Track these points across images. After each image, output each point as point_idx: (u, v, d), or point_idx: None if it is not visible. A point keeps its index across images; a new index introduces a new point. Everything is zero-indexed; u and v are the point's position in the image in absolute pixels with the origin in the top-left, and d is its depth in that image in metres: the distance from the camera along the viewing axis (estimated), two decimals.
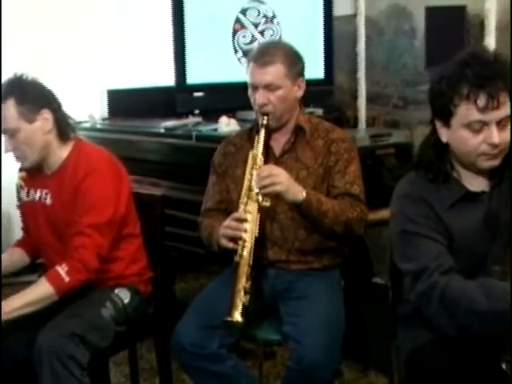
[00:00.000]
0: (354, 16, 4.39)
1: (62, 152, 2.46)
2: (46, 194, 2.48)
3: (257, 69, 2.43)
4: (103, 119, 4.15)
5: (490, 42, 3.60)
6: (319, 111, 3.91)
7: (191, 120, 3.69)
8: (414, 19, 4.07)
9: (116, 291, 2.48)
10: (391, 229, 2.01)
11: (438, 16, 3.73)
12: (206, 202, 2.62)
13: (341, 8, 4.40)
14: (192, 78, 3.96)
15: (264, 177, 2.28)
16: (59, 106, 2.46)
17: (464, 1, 3.69)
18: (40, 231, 2.52)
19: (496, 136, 1.82)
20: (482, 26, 3.65)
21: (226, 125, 3.34)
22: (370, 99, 4.37)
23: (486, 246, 1.93)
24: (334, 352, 2.29)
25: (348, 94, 4.50)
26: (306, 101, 2.59)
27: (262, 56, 2.43)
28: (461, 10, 3.68)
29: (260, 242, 2.39)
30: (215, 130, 3.41)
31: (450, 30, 3.65)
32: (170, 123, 3.61)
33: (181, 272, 4.02)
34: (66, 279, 2.29)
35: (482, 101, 1.80)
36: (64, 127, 2.45)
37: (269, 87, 2.41)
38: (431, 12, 3.75)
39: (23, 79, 2.38)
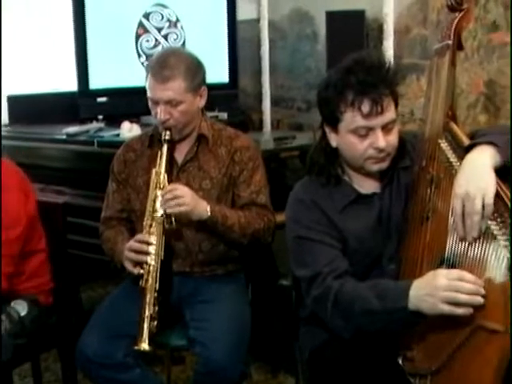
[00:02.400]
0: (258, 20, 4.43)
1: None
2: None
3: (157, 84, 2.33)
4: (4, 126, 4.03)
5: (389, 44, 3.71)
6: (224, 115, 3.93)
7: (93, 126, 3.64)
8: (316, 23, 4.15)
9: (12, 304, 2.42)
10: (286, 234, 2.04)
11: (339, 20, 3.79)
12: (106, 209, 2.57)
13: (244, 12, 4.44)
14: (95, 83, 3.92)
15: (169, 198, 2.26)
16: None
17: (363, 5, 3.77)
18: None
19: (381, 140, 1.87)
20: (380, 29, 3.75)
21: (129, 130, 3.31)
22: (275, 102, 4.43)
23: (380, 246, 1.97)
24: (240, 354, 2.30)
25: (253, 97, 4.54)
26: (210, 105, 2.57)
27: (161, 70, 2.33)
28: (360, 14, 3.75)
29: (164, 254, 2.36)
30: (117, 135, 3.38)
31: (350, 34, 3.72)
32: (72, 129, 3.55)
33: (88, 280, 3.96)
34: None
35: (366, 107, 1.83)
36: None
37: (170, 103, 2.34)
38: (331, 16, 3.81)
39: None
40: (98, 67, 3.90)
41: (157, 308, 2.28)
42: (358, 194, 2.00)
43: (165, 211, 2.30)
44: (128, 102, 3.82)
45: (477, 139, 1.79)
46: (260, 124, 4.48)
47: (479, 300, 1.62)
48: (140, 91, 2.46)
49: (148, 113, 2.46)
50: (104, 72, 3.93)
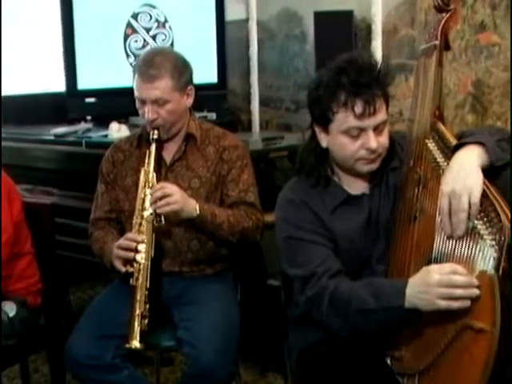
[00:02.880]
0: (246, 20, 4.43)
1: None
2: None
3: (143, 84, 2.34)
4: None
5: (377, 45, 3.72)
6: (213, 115, 3.93)
7: (82, 126, 3.63)
8: (305, 24, 4.14)
9: (1, 305, 2.41)
10: (277, 235, 2.03)
11: (327, 20, 3.79)
12: (95, 211, 2.57)
13: (233, 12, 4.44)
14: (83, 84, 3.91)
15: (158, 196, 2.26)
16: None
17: (351, 6, 3.78)
18: None
19: (373, 141, 1.87)
20: (368, 30, 3.76)
21: (117, 131, 3.30)
22: (264, 103, 4.42)
23: (369, 247, 1.97)
24: (228, 354, 2.30)
25: (241, 97, 4.54)
26: (199, 105, 2.56)
27: (147, 69, 2.34)
28: (348, 14, 3.75)
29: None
30: (106, 136, 3.38)
31: (339, 34, 3.72)
32: (60, 130, 3.55)
33: (77, 282, 3.95)
34: None
35: (358, 108, 1.83)
36: None
37: (157, 102, 2.34)
38: (320, 17, 3.81)
39: None
40: (87, 68, 3.90)
41: (147, 306, 2.28)
42: (347, 195, 2.00)
43: (154, 210, 2.30)
44: (116, 103, 3.80)
45: (464, 139, 1.79)
46: (249, 124, 4.48)
47: (475, 292, 1.62)
48: (128, 92, 2.46)
49: (137, 113, 2.46)
50: (92, 72, 3.92)
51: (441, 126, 1.86)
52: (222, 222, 2.36)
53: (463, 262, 1.67)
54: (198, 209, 2.31)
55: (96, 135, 3.46)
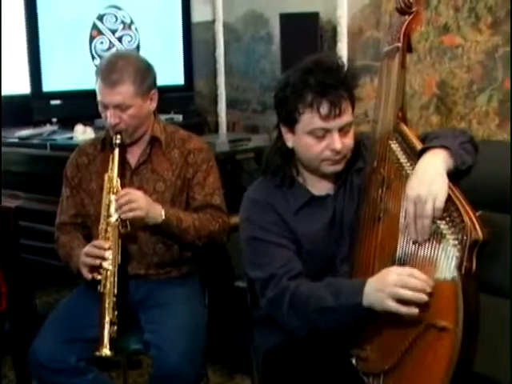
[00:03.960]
0: (213, 22, 4.43)
1: None
2: None
3: (105, 88, 2.33)
4: None
5: (343, 46, 3.74)
6: (179, 117, 3.92)
7: (47, 129, 3.60)
8: (271, 25, 4.16)
9: None
10: (240, 235, 2.03)
11: (292, 22, 3.80)
12: (60, 215, 2.55)
13: (199, 14, 4.44)
14: (48, 86, 3.87)
15: (123, 203, 2.25)
16: None
17: (317, 8, 3.79)
18: None
19: (338, 142, 1.87)
20: (334, 31, 3.78)
21: (82, 133, 3.28)
22: (230, 104, 4.43)
23: (333, 248, 1.98)
24: (195, 356, 2.29)
25: (208, 99, 4.54)
26: (166, 107, 2.56)
27: (110, 74, 2.33)
28: (314, 16, 3.77)
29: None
30: (71, 138, 3.35)
31: (304, 36, 3.73)
32: (25, 132, 3.51)
33: (43, 286, 3.91)
34: None
35: (324, 109, 1.84)
36: None
37: (119, 107, 2.33)
38: (285, 18, 3.83)
39: None
40: (52, 69, 3.85)
41: (116, 312, 2.27)
42: (311, 196, 2.00)
43: (119, 216, 2.29)
44: (82, 105, 3.74)
45: (429, 143, 1.80)
46: (216, 126, 4.48)
47: (423, 297, 1.62)
48: (94, 94, 2.44)
49: None
50: (57, 74, 3.88)
51: (404, 127, 1.87)
52: (187, 226, 2.35)
53: (427, 262, 1.68)
54: (163, 214, 2.30)
55: (61, 137, 3.43)
